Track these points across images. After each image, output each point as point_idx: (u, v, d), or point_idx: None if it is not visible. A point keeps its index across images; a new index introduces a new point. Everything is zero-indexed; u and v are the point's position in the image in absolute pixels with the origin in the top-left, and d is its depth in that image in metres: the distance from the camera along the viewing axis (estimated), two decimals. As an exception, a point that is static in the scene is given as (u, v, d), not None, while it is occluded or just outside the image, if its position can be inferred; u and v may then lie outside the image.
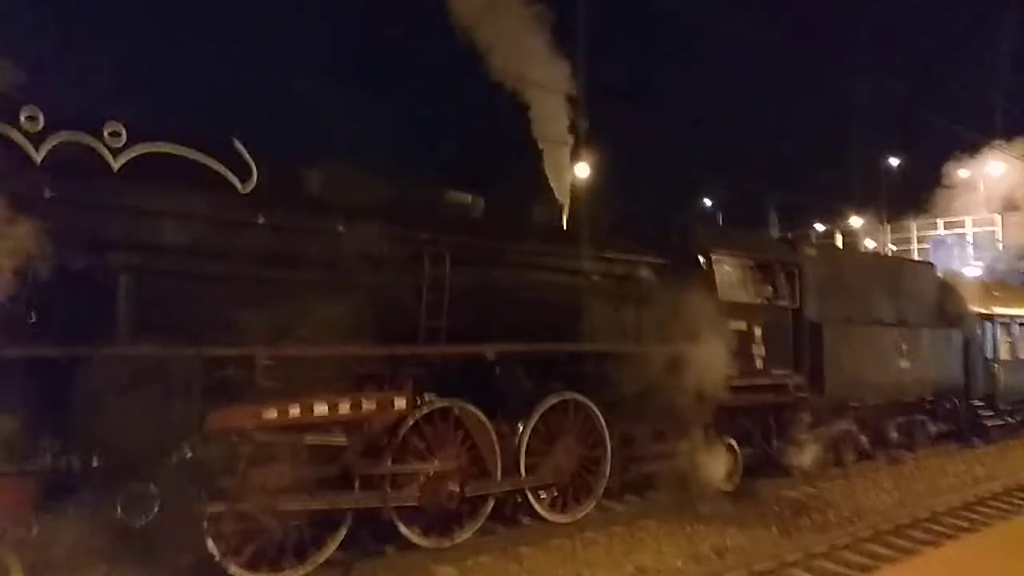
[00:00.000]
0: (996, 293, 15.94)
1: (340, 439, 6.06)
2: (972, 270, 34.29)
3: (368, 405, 6.13)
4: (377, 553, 6.82)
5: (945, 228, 43.08)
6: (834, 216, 38.56)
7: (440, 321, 6.87)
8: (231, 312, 5.58)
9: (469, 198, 7.86)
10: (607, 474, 8.44)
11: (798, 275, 10.34)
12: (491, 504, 7.41)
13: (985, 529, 8.13)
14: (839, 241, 37.84)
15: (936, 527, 8.53)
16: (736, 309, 9.38)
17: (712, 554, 7.35)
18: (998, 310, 15.02)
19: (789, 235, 39.55)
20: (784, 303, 10.09)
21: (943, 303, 13.78)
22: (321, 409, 5.87)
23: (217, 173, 5.99)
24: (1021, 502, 9.88)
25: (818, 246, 11.90)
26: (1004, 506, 9.66)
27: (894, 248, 41.18)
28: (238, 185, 6.11)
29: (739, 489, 9.77)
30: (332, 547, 6.26)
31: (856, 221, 37.37)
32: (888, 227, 42.05)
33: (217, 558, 5.64)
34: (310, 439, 5.87)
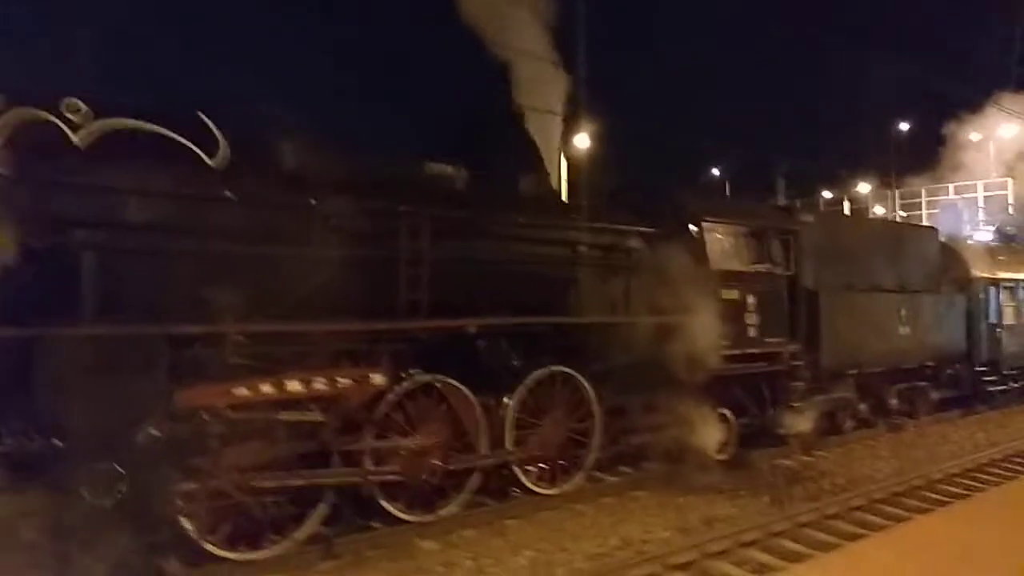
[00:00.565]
0: (1001, 257, 15.67)
1: (316, 416, 5.98)
2: (983, 234, 33.93)
3: (344, 381, 6.05)
4: (363, 528, 6.80)
5: (955, 192, 42.58)
6: (841, 183, 38.10)
7: (420, 295, 6.77)
8: (199, 289, 5.49)
9: (450, 169, 7.72)
10: (596, 446, 8.37)
11: (793, 242, 10.14)
12: (476, 478, 7.36)
13: (977, 496, 8.00)
14: (846, 208, 37.42)
15: (932, 495, 8.43)
16: (728, 277, 9.23)
17: (700, 524, 7.29)
18: (1002, 274, 14.77)
19: (797, 203, 39.29)
20: (779, 270, 9.92)
21: (946, 268, 13.54)
22: (294, 386, 5.79)
23: (184, 147, 5.86)
24: (1019, 468, 9.74)
25: (815, 212, 11.71)
26: (1003, 472, 9.53)
27: (903, 214, 40.76)
28: (206, 159, 5.99)
29: (733, 459, 9.69)
30: (313, 523, 6.22)
31: (864, 187, 36.87)
32: (897, 192, 41.59)
33: (193, 536, 5.62)
34: (284, 416, 5.80)
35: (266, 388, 5.64)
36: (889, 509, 7.83)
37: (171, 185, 5.62)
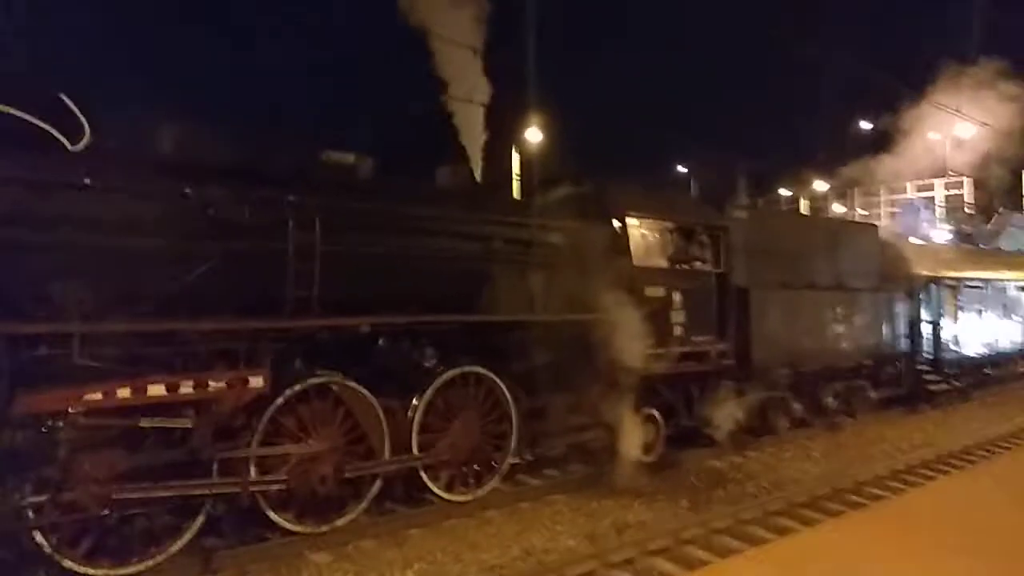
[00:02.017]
0: (944, 255, 15.66)
1: (183, 422, 5.55)
2: (941, 233, 34.21)
3: (216, 384, 5.63)
4: (255, 539, 6.40)
5: (915, 191, 43.02)
6: (800, 182, 38.30)
7: (311, 291, 6.36)
8: (49, 284, 5.04)
9: (352, 158, 7.32)
10: (513, 450, 8.04)
11: (723, 238, 9.90)
12: (377, 486, 6.98)
13: (892, 500, 7.80)
14: (804, 207, 37.60)
15: (855, 497, 8.22)
16: (653, 274, 8.94)
17: (611, 531, 7.00)
18: (945, 273, 14.73)
19: (759, 201, 39.32)
20: (707, 267, 9.66)
21: (887, 266, 13.42)
22: (157, 390, 5.36)
23: (41, 132, 5.40)
24: (947, 468, 9.60)
25: (749, 208, 11.46)
26: (931, 473, 9.37)
27: (863, 212, 41.06)
28: (66, 144, 5.53)
29: (661, 460, 9.43)
30: (186, 536, 5.80)
31: (821, 185, 37.07)
32: (856, 192, 41.87)
33: (48, 552, 5.18)
34: (145, 422, 5.37)
35: (123, 392, 5.21)
36: (808, 513, 7.60)
37: (19, 171, 5.15)
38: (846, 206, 41.62)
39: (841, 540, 5.74)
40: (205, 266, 5.81)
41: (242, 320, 5.84)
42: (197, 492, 5.73)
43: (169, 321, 5.48)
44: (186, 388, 5.50)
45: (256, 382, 5.84)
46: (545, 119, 22.67)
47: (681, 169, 42.88)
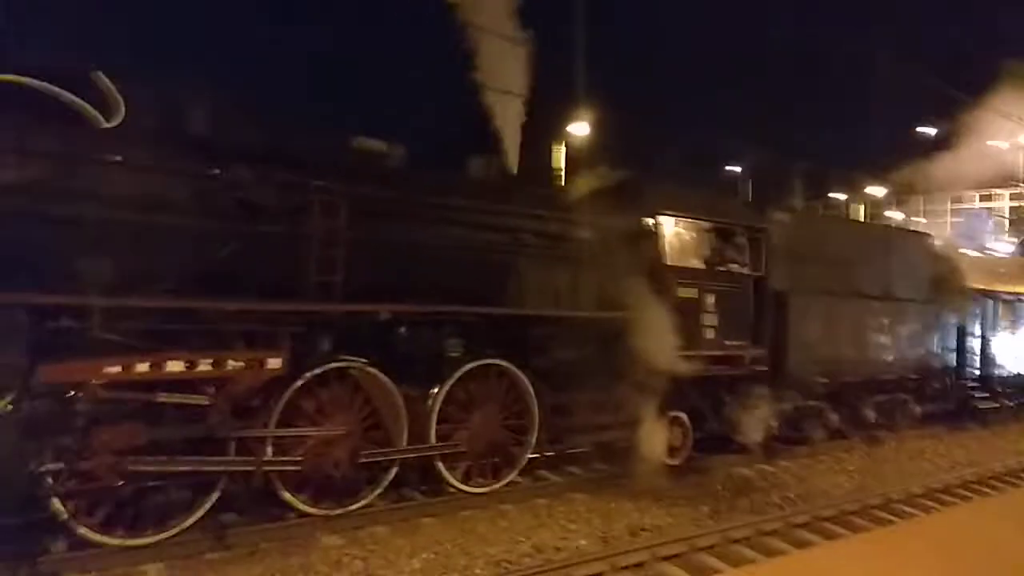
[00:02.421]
0: (1002, 269, 15.02)
1: (200, 399, 5.63)
2: (1004, 245, 32.94)
3: (234, 364, 5.70)
4: (271, 519, 6.48)
5: (981, 201, 41.46)
6: (856, 186, 37.22)
7: (334, 277, 6.39)
8: (74, 258, 5.15)
9: (384, 146, 7.32)
10: (533, 445, 7.97)
11: (763, 241, 9.64)
12: (393, 473, 6.99)
13: (919, 519, 7.50)
14: (856, 212, 36.51)
15: (885, 515, 7.93)
16: (685, 274, 8.76)
17: (626, 533, 6.88)
18: (1000, 287, 14.13)
19: (819, 205, 38.29)
20: (744, 270, 9.42)
21: (938, 277, 12.93)
22: (175, 366, 5.44)
23: (72, 107, 5.52)
24: (986, 491, 9.21)
25: (795, 211, 11.13)
26: (967, 494, 9.00)
27: (922, 220, 39.69)
28: (101, 120, 5.65)
29: (687, 465, 9.27)
30: (199, 512, 5.89)
31: (877, 191, 35.94)
32: (921, 199, 40.45)
33: (64, 518, 5.31)
34: (163, 397, 5.46)
35: (142, 367, 5.30)
36: (833, 528, 7.36)
37: (50, 145, 5.27)
38: (905, 213, 40.31)
39: (852, 560, 5.52)
40: (230, 247, 5.88)
41: (263, 302, 5.87)
42: (212, 469, 5.81)
43: (189, 299, 5.55)
44: (204, 366, 5.58)
45: (274, 363, 5.89)
46: (594, 114, 22.48)
47: (734, 169, 42.11)
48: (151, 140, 5.78)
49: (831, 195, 39.07)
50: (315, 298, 6.24)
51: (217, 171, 5.93)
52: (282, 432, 6.16)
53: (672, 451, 9.08)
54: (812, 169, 38.10)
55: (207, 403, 5.67)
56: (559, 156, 20.87)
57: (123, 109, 5.74)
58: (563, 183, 8.65)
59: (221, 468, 5.86)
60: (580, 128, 21.98)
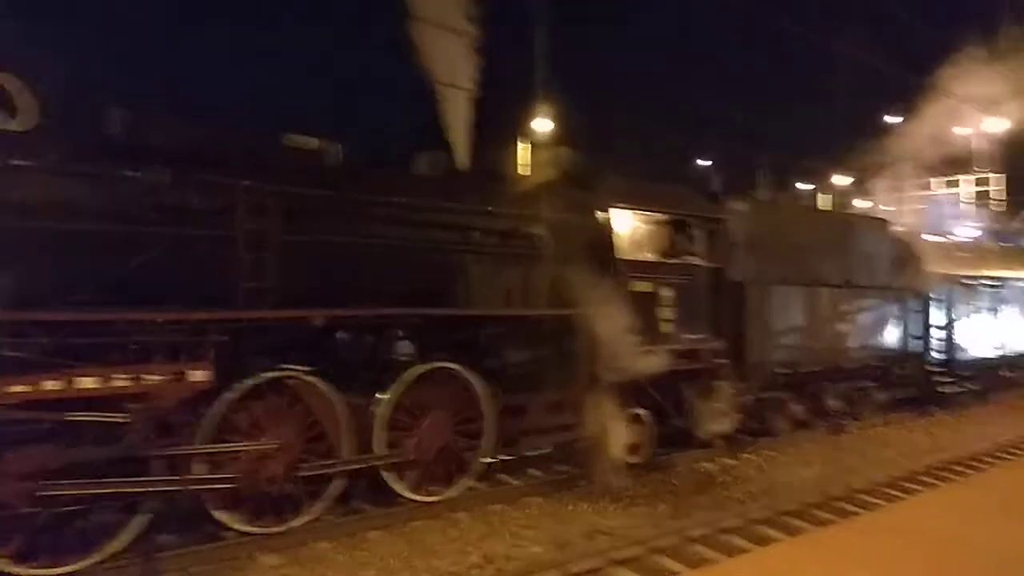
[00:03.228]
0: (961, 253, 15.04)
1: (116, 416, 5.29)
2: (966, 231, 33.22)
3: (153, 378, 5.36)
4: (210, 539, 6.15)
5: (946, 187, 41.95)
6: (821, 176, 37.46)
7: (265, 282, 6.07)
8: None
9: (316, 143, 7.00)
10: (488, 449, 7.71)
11: (720, 232, 9.46)
12: (337, 485, 6.69)
13: (880, 511, 7.35)
14: (824, 201, 36.73)
15: (847, 506, 7.79)
16: (639, 268, 8.54)
17: (581, 538, 6.64)
18: (960, 271, 14.13)
19: (779, 196, 38.39)
20: (701, 262, 9.23)
21: (898, 263, 12.87)
22: (88, 382, 5.09)
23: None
24: (950, 476, 9.11)
25: (752, 201, 10.98)
26: (932, 481, 8.90)
27: (887, 208, 40.04)
28: (10, 123, 5.29)
29: (649, 462, 9.06)
30: (124, 536, 5.54)
31: (842, 180, 36.21)
32: (881, 187, 40.84)
33: (-27, 550, 4.95)
34: (72, 416, 5.11)
35: (51, 384, 4.95)
36: (793, 522, 7.19)
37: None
38: (872, 202, 40.66)
39: (813, 555, 5.33)
40: (150, 253, 5.55)
41: (183, 311, 5.54)
42: (133, 490, 5.46)
43: (99, 311, 5.20)
44: (120, 381, 5.23)
45: (198, 376, 5.55)
46: (557, 110, 22.28)
47: (705, 163, 42.21)
48: (63, 143, 5.42)
49: (798, 186, 39.33)
50: (244, 305, 5.92)
51: (132, 173, 5.58)
52: (208, 448, 5.81)
53: (633, 449, 8.87)
54: (778, 160, 38.31)
55: (126, 421, 5.32)
56: (523, 153, 20.63)
57: (36, 111, 5.38)
58: (521, 179, 8.32)
59: (145, 489, 5.50)
60: (543, 124, 21.74)
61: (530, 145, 21.40)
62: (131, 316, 5.29)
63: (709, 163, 41.73)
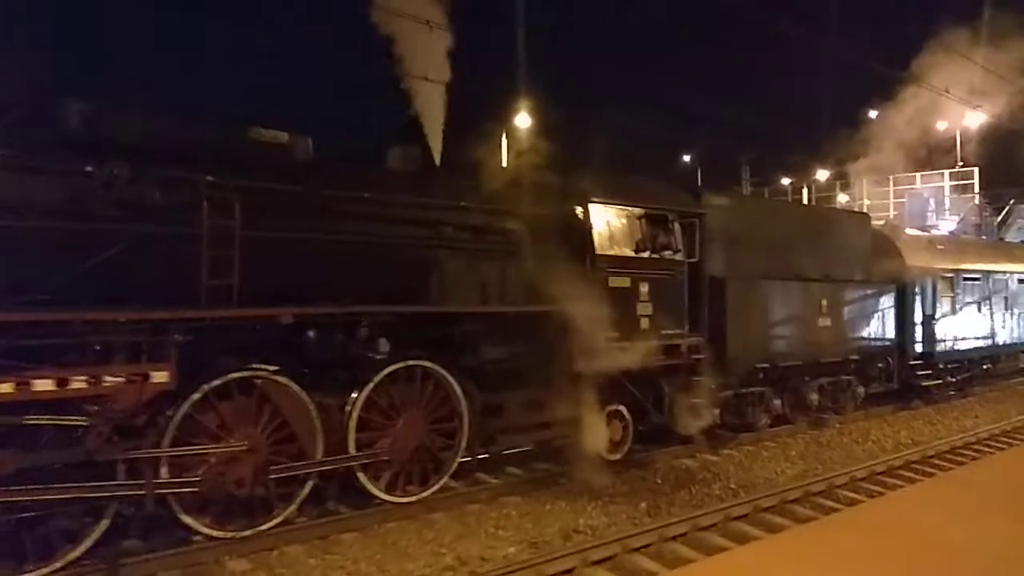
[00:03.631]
0: (940, 246, 15.07)
1: (75, 419, 5.12)
2: (947, 225, 33.40)
3: (113, 380, 5.19)
4: (178, 543, 5.98)
5: (923, 182, 42.15)
6: (804, 171, 37.57)
7: (229, 279, 5.91)
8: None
9: (286, 137, 6.84)
10: (463, 448, 7.59)
11: (698, 226, 9.37)
12: (309, 487, 6.55)
13: (857, 507, 7.28)
14: (806, 196, 36.90)
15: (827, 502, 7.73)
16: (616, 263, 8.43)
17: (558, 537, 6.54)
18: (940, 264, 14.15)
19: (765, 191, 38.47)
20: (679, 256, 9.14)
21: (878, 257, 12.87)
22: (44, 384, 4.92)
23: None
24: (929, 470, 9.09)
25: (731, 195, 10.91)
26: (912, 476, 8.87)
27: (868, 203, 40.23)
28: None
29: (629, 459, 8.99)
30: (87, 542, 5.37)
31: (822, 174, 36.35)
32: (864, 182, 40.99)
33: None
34: (30, 420, 4.93)
35: (5, 387, 4.77)
36: (774, 519, 7.12)
37: None
38: (851, 196, 40.83)
39: (793, 554, 5.24)
40: (109, 251, 5.38)
41: (143, 310, 5.37)
42: (93, 495, 5.29)
43: (55, 311, 5.02)
44: (78, 383, 5.06)
45: (159, 377, 5.39)
46: (538, 105, 22.16)
47: (687, 159, 42.25)
48: (14, 135, 5.23)
49: (783, 181, 39.46)
50: (207, 303, 5.76)
51: (91, 168, 5.41)
52: (170, 451, 5.65)
53: (612, 446, 8.79)
54: (759, 156, 38.41)
55: (85, 424, 5.15)
56: (504, 148, 20.52)
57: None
58: (496, 174, 8.18)
59: (106, 494, 5.34)
60: (523, 120, 21.61)
61: (510, 140, 21.35)
62: (88, 316, 5.12)
63: (691, 158, 41.81)
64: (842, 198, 40.46)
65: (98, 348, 5.27)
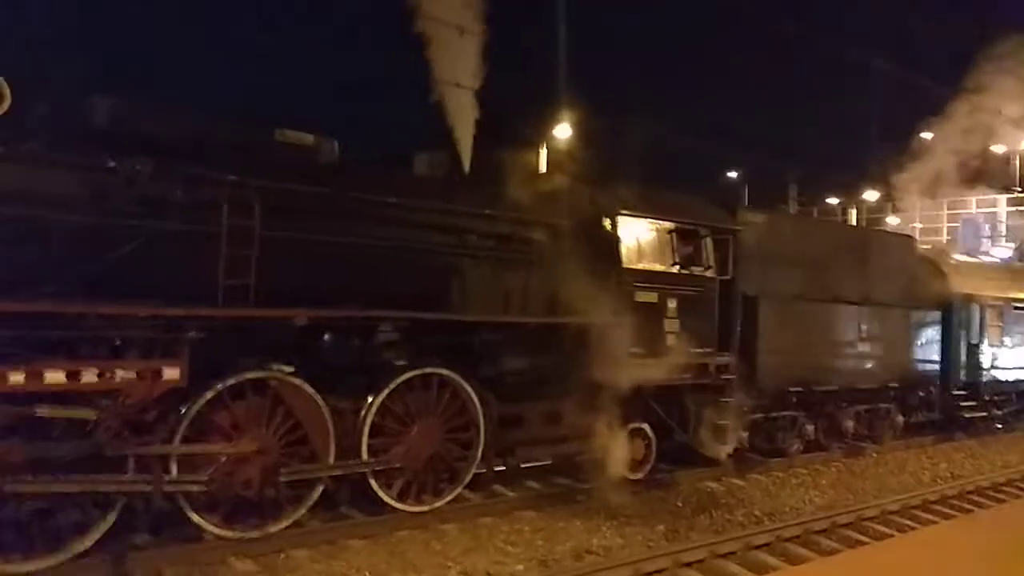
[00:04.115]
0: (990, 273, 14.51)
1: (85, 413, 5.13)
2: (1002, 251, 32.28)
3: (124, 374, 5.19)
4: (188, 539, 5.98)
5: (978, 206, 40.86)
6: (851, 191, 36.75)
7: (247, 279, 5.89)
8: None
9: (312, 139, 6.83)
10: (478, 459, 7.46)
11: (732, 243, 9.13)
12: (319, 491, 6.49)
13: (896, 540, 6.97)
14: (854, 216, 36.05)
15: (854, 534, 7.41)
16: (644, 278, 8.24)
17: (569, 557, 6.36)
18: (988, 292, 13.60)
19: (814, 211, 37.68)
20: (710, 273, 8.91)
21: (922, 281, 12.43)
22: (55, 376, 4.94)
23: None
24: (969, 507, 8.68)
25: (768, 213, 10.63)
26: (948, 511, 8.47)
27: (920, 226, 39.14)
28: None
29: (651, 479, 8.76)
30: (94, 535, 5.38)
31: (872, 195, 35.48)
32: (918, 205, 39.90)
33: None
34: (42, 411, 4.95)
35: (16, 378, 4.80)
36: (797, 549, 6.84)
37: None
38: (902, 219, 39.80)
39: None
40: (128, 246, 5.40)
41: (159, 306, 5.37)
42: (103, 489, 5.30)
43: (71, 304, 5.04)
44: (89, 377, 5.07)
45: (171, 374, 5.38)
46: (579, 117, 22.04)
47: (732, 175, 41.68)
48: (40, 129, 5.29)
49: (827, 200, 38.70)
50: (224, 302, 5.75)
51: (114, 164, 5.44)
52: (174, 449, 5.62)
53: (634, 464, 8.58)
54: (807, 175, 37.69)
55: (95, 418, 5.16)
56: (542, 158, 20.45)
57: (8, 96, 5.25)
58: (525, 183, 8.07)
59: (114, 488, 5.34)
60: (563, 131, 21.51)
61: (548, 150, 21.25)
62: (103, 310, 5.13)
63: (737, 175, 41.21)
64: (892, 220, 39.47)
65: (112, 342, 5.28)
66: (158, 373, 5.33)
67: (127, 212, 5.48)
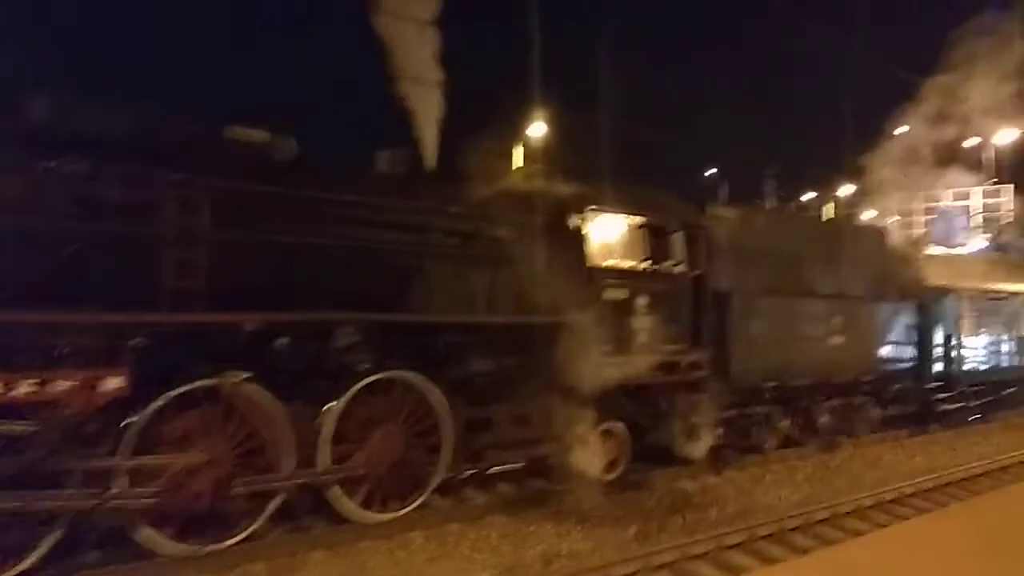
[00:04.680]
0: (964, 265, 14.52)
1: (19, 426, 4.87)
2: (976, 243, 32.59)
3: (62, 385, 4.94)
4: (135, 557, 5.72)
5: (954, 199, 41.22)
6: (828, 185, 36.91)
7: (196, 283, 5.65)
8: None
9: (265, 136, 6.59)
10: (446, 464, 7.26)
11: (702, 238, 8.99)
12: (277, 502, 6.25)
13: (868, 537, 6.85)
14: (830, 210, 36.19)
15: (830, 530, 7.30)
16: (612, 275, 8.08)
17: (537, 562, 6.18)
18: (963, 283, 13.59)
19: (792, 205, 37.81)
20: (681, 269, 8.77)
21: (896, 274, 12.37)
22: (-15, 389, 4.69)
23: None
24: (946, 499, 8.60)
25: (739, 207, 10.52)
26: (924, 504, 8.39)
27: (896, 219, 39.39)
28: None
29: (626, 479, 8.60)
30: (34, 555, 5.12)
31: (847, 189, 35.63)
32: (893, 198, 40.17)
33: None
34: (-30, 426, 4.70)
35: (-59, 391, 4.54)
36: (768, 548, 6.71)
37: None
38: (878, 212, 40.07)
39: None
40: (65, 250, 5.15)
41: (96, 313, 5.12)
42: (43, 506, 5.04)
43: (4, 312, 4.78)
44: (22, 388, 4.81)
45: (113, 383, 5.13)
46: (553, 113, 21.88)
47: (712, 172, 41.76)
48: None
49: (805, 196, 38.88)
50: (169, 307, 5.50)
51: (49, 163, 5.18)
52: (123, 463, 5.37)
53: (607, 465, 8.41)
54: (784, 170, 37.83)
55: (31, 430, 4.90)
56: (516, 156, 20.28)
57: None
58: (490, 180, 7.87)
59: (56, 505, 5.08)
60: (537, 128, 21.35)
61: (522, 147, 21.09)
62: (39, 318, 4.88)
63: (716, 171, 41.30)
64: (869, 213, 39.72)
65: (51, 352, 5.02)
66: (99, 382, 5.08)
67: (63, 214, 5.22)
